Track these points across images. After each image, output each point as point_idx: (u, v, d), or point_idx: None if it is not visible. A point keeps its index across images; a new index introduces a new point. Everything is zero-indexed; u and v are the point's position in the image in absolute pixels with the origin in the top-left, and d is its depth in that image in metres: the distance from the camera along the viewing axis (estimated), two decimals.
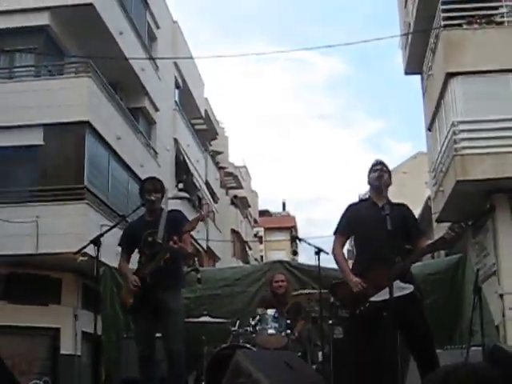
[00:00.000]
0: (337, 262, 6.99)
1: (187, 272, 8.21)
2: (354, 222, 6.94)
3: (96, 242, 7.30)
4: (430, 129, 22.89)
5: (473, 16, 19.07)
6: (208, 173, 35.76)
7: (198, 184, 31.66)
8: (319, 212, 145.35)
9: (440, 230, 23.12)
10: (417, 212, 31.30)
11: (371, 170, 7.05)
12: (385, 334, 6.59)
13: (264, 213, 74.25)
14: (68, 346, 19.63)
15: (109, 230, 7.57)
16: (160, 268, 7.31)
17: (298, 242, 9.55)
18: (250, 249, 50.75)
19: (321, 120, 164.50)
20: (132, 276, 7.53)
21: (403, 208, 7.11)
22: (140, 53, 24.23)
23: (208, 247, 34.05)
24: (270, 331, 8.84)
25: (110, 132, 20.50)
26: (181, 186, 29.12)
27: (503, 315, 17.90)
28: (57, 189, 18.72)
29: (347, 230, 7.02)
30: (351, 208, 7.21)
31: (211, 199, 36.18)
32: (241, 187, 47.64)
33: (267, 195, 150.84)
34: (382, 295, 6.40)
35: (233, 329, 9.10)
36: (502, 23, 19.09)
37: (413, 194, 43.06)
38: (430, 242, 6.92)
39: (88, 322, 19.01)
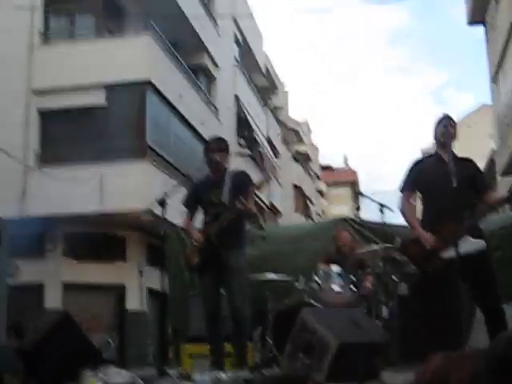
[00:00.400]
0: (406, 219, 6.93)
1: (252, 229, 8.21)
2: (419, 179, 6.87)
3: (162, 202, 7.32)
4: (494, 81, 22.52)
5: None
6: (269, 128, 35.65)
7: (259, 140, 31.62)
8: (381, 167, 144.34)
9: (504, 184, 22.88)
10: (481, 165, 31.01)
11: (438, 125, 6.94)
12: (453, 289, 6.53)
13: (326, 168, 73.92)
14: (134, 302, 19.98)
15: (173, 190, 7.58)
16: (224, 228, 7.35)
17: (361, 197, 9.39)
18: (313, 204, 50.69)
19: (384, 73, 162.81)
20: (196, 233, 7.59)
21: (469, 163, 7.01)
22: (199, 10, 24.17)
23: (270, 203, 34.13)
24: (335, 288, 8.84)
25: (171, 90, 20.56)
26: (242, 142, 29.10)
27: None
28: (120, 148, 18.92)
29: (413, 186, 6.95)
30: (417, 164, 7.13)
31: (273, 155, 36.13)
32: (302, 142, 47.48)
33: (329, 150, 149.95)
34: (451, 251, 6.31)
35: (297, 286, 9.12)
36: None
37: (477, 147, 42.57)
38: (498, 196, 6.81)
39: (153, 278, 19.38)
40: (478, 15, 24.31)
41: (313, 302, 8.57)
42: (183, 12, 22.10)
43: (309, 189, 48.52)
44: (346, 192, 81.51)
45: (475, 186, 6.74)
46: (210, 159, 7.61)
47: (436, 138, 6.94)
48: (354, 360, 5.67)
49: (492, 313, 6.54)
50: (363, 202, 9.07)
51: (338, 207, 76.83)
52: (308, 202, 47.76)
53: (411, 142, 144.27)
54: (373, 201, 8.35)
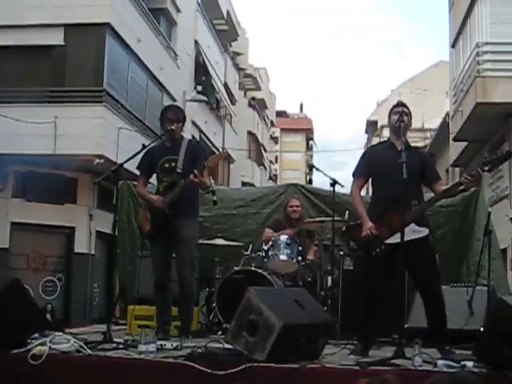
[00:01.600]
0: (353, 204, 7.07)
1: (203, 194, 8.28)
2: (371, 166, 6.99)
3: (116, 170, 7.35)
4: (453, 45, 22.65)
5: None
6: (227, 74, 35.51)
7: (216, 86, 31.50)
8: (337, 117, 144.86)
9: (455, 148, 23.22)
10: (435, 124, 31.29)
11: (392, 112, 7.04)
12: (395, 274, 6.74)
13: (281, 113, 74.01)
14: (82, 244, 19.98)
15: (128, 160, 7.60)
16: (178, 196, 7.44)
17: (314, 169, 9.49)
18: (266, 151, 50.83)
19: (345, 26, 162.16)
20: (152, 196, 7.66)
21: (421, 153, 7.16)
22: None
23: (223, 148, 34.17)
24: (282, 257, 9.03)
25: (130, 34, 20.36)
26: (199, 88, 28.99)
27: None
28: (76, 90, 18.73)
29: (365, 172, 7.07)
30: (370, 151, 7.29)
31: (229, 101, 36.05)
32: (259, 89, 47.38)
33: (286, 97, 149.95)
34: (397, 238, 6.49)
35: (245, 253, 9.29)
36: None
37: (433, 103, 42.94)
38: (445, 187, 6.96)
39: (103, 221, 19.44)
40: None
41: (260, 270, 8.74)
42: None
43: (263, 136, 48.59)
44: (300, 139, 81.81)
45: (424, 177, 6.89)
46: (166, 128, 7.65)
47: (390, 124, 7.05)
48: (297, 341, 5.85)
49: (431, 298, 6.75)
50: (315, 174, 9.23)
51: (292, 154, 77.19)
52: (262, 148, 47.85)
53: (370, 94, 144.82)
54: (325, 175, 8.51)
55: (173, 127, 7.59)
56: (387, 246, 6.65)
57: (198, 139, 28.99)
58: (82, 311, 19.65)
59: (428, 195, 7.29)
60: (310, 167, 12.84)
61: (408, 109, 7.04)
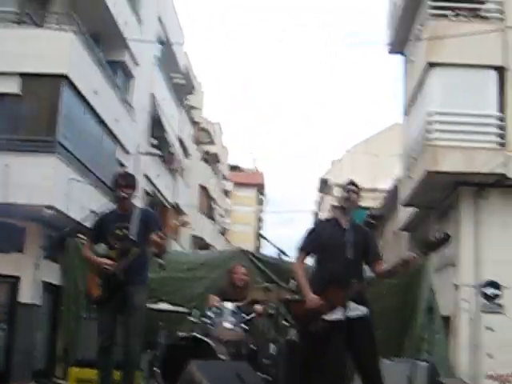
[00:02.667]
0: (296, 278, 7.16)
1: (152, 257, 8.30)
2: (316, 242, 7.11)
3: (62, 236, 7.37)
4: (406, 113, 23.05)
5: (459, 8, 19.16)
6: (182, 128, 35.70)
7: (170, 140, 31.63)
8: (290, 173, 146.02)
9: (403, 213, 23.52)
10: (387, 185, 31.66)
11: (342, 188, 7.20)
12: (335, 352, 6.79)
13: (235, 168, 74.32)
14: (27, 294, 19.67)
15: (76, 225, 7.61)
16: (131, 263, 7.47)
17: (261, 239, 9.67)
18: (217, 205, 50.91)
19: (301, 82, 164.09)
20: (102, 259, 7.64)
21: (364, 231, 7.28)
22: (124, 5, 24.02)
23: (175, 203, 34.20)
24: (227, 325, 9.06)
25: (87, 86, 20.35)
26: (154, 142, 29.07)
27: (456, 306, 18.29)
28: (29, 139, 18.62)
29: (309, 248, 7.18)
30: (315, 227, 7.40)
31: (183, 155, 36.19)
32: (213, 143, 47.61)
33: (239, 152, 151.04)
34: (335, 314, 6.59)
35: (191, 319, 9.29)
36: (487, 18, 19.20)
37: (386, 164, 43.46)
38: (387, 267, 7.07)
39: (50, 272, 19.23)
40: (399, 47, 24.84)
41: (203, 338, 8.75)
42: (107, 6, 21.94)
43: (215, 189, 48.70)
44: (251, 193, 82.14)
45: (366, 256, 7.01)
46: (117, 195, 7.69)
47: (338, 201, 7.18)
48: None
49: (369, 379, 6.81)
50: (264, 244, 9.33)
51: (243, 208, 77.40)
52: (213, 202, 47.93)
53: (323, 153, 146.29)
54: (273, 245, 8.60)
55: (123, 194, 7.64)
56: (325, 323, 6.73)
57: (150, 192, 29.04)
58: (24, 362, 19.28)
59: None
60: (259, 236, 12.97)
61: (357, 187, 7.18)
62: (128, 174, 8.32)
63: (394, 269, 6.90)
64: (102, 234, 7.80)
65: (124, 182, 7.75)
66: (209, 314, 9.19)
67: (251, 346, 9.30)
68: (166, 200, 32.41)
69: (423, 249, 6.67)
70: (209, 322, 9.11)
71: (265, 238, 8.90)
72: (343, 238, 6.65)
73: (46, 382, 7.22)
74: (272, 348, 9.23)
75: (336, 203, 7.29)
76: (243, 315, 9.20)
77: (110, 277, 7.53)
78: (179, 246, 34.16)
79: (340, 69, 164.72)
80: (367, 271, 7.21)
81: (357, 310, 6.72)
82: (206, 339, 8.74)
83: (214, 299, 9.57)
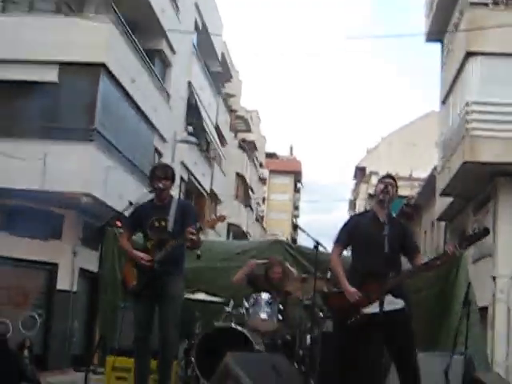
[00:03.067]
0: (334, 271, 7.17)
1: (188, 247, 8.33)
2: (353, 235, 7.12)
3: (102, 228, 7.42)
4: (444, 102, 22.90)
5: None
6: (219, 116, 35.72)
7: (207, 128, 31.66)
8: (326, 161, 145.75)
9: (441, 203, 23.40)
10: (423, 174, 31.50)
11: (379, 182, 7.18)
12: (372, 345, 6.78)
13: (271, 155, 74.26)
14: (65, 281, 19.88)
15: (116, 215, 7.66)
16: (168, 254, 7.52)
17: (298, 230, 9.69)
18: (254, 193, 50.95)
19: (338, 70, 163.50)
20: (140, 253, 7.67)
21: (401, 225, 7.25)
22: None
23: (211, 190, 34.29)
24: (263, 316, 9.10)
25: (125, 74, 20.47)
26: (190, 129, 29.13)
27: (493, 297, 18.21)
28: (67, 128, 18.82)
29: (346, 241, 7.19)
30: (352, 220, 7.39)
31: (219, 143, 36.24)
32: (250, 131, 47.64)
33: (276, 139, 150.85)
34: (373, 308, 6.59)
35: (226, 309, 9.34)
36: None
37: (422, 153, 43.26)
38: (424, 262, 7.05)
39: (87, 259, 19.45)
40: (437, 35, 24.65)
41: (239, 328, 8.79)
42: None
43: (251, 177, 48.76)
44: (288, 181, 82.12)
45: (404, 249, 7.00)
46: (155, 186, 7.73)
47: (375, 193, 7.17)
48: None
49: (406, 372, 6.81)
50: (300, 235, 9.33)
51: (280, 195, 77.44)
52: (249, 190, 47.98)
53: (359, 140, 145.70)
54: (309, 236, 8.58)
55: (160, 185, 7.69)
56: (363, 316, 6.73)
57: (187, 180, 29.12)
58: (61, 348, 19.52)
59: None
60: (295, 227, 12.97)
61: (395, 181, 7.16)
62: (166, 165, 8.35)
63: (432, 262, 6.88)
64: (140, 224, 7.85)
65: (162, 174, 7.78)
66: (245, 304, 9.24)
67: (287, 336, 9.33)
68: (203, 188, 32.50)
69: (461, 242, 6.65)
70: (245, 312, 9.15)
71: (301, 229, 8.90)
72: (381, 231, 6.63)
73: (84, 369, 7.27)
74: (307, 339, 9.24)
75: (373, 193, 7.29)
76: (279, 306, 9.22)
77: (146, 267, 7.58)
78: (216, 233, 34.29)
79: (378, 56, 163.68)
80: (405, 264, 7.18)
81: (394, 304, 6.70)
82: (242, 330, 8.78)
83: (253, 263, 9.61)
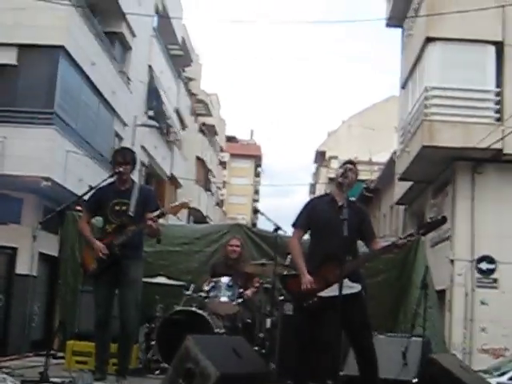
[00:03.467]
0: (292, 255, 7.24)
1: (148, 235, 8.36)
2: (311, 219, 7.17)
3: (61, 211, 7.40)
4: (403, 86, 23.05)
5: None
6: (179, 100, 35.64)
7: (167, 112, 31.59)
8: (287, 144, 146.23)
9: (399, 187, 23.63)
10: (383, 158, 31.71)
11: (340, 167, 7.26)
12: (329, 327, 6.89)
13: (231, 139, 74.28)
14: (24, 266, 19.77)
15: (77, 199, 7.65)
16: (128, 239, 7.54)
17: (259, 214, 9.81)
18: (214, 177, 50.94)
19: (299, 53, 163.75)
20: (99, 244, 7.65)
21: (360, 209, 7.33)
22: None
23: (171, 174, 34.24)
24: (223, 299, 9.17)
25: (84, 57, 20.32)
26: (150, 113, 29.05)
27: (451, 280, 18.43)
28: (26, 111, 18.66)
29: (305, 225, 7.25)
30: (311, 204, 7.45)
31: (179, 127, 36.18)
32: (210, 115, 47.55)
33: (236, 123, 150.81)
34: (330, 291, 6.70)
35: (187, 292, 9.39)
36: None
37: (382, 137, 43.56)
38: (381, 245, 7.16)
39: (46, 243, 19.33)
40: (397, 20, 24.81)
41: (200, 311, 8.85)
42: None
43: (212, 161, 48.71)
44: (248, 165, 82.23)
45: (361, 233, 7.09)
46: (116, 170, 7.74)
47: (335, 177, 7.24)
48: None
49: (363, 351, 6.92)
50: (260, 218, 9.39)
51: (240, 179, 77.54)
52: (210, 174, 47.96)
53: (319, 124, 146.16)
54: (269, 220, 8.66)
55: (121, 169, 7.69)
56: (319, 299, 6.82)
57: (147, 164, 29.05)
58: (21, 333, 19.43)
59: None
60: (255, 211, 13.04)
61: (356, 168, 7.24)
62: (127, 149, 8.37)
63: (387, 248, 7.02)
64: (99, 207, 7.84)
65: (121, 159, 7.78)
66: (205, 288, 9.29)
67: (247, 319, 9.41)
68: (163, 172, 32.45)
69: (419, 228, 6.81)
70: (205, 296, 9.20)
71: (261, 213, 8.97)
72: (339, 215, 6.70)
73: (44, 354, 7.28)
74: (268, 322, 9.33)
75: (333, 177, 7.37)
76: (239, 290, 9.29)
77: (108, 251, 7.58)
78: (176, 217, 34.19)
79: (338, 41, 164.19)
80: (360, 247, 7.28)
81: (351, 288, 6.78)
82: (202, 313, 8.84)
83: (206, 281, 9.64)
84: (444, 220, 6.88)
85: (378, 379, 6.91)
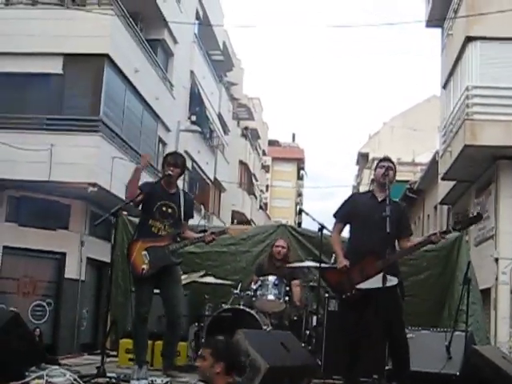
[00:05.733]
0: (333, 246, 7.50)
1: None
2: (353, 213, 7.41)
3: (115, 213, 7.66)
4: (444, 86, 23.06)
5: None
6: (221, 104, 35.95)
7: (210, 116, 31.94)
8: (329, 147, 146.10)
9: (443, 187, 23.62)
10: (426, 158, 31.67)
11: (377, 166, 7.43)
12: (372, 323, 7.08)
13: (273, 143, 74.38)
14: (73, 270, 20.16)
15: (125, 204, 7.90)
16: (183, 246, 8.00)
17: (303, 214, 9.93)
18: (257, 180, 51.17)
19: (339, 56, 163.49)
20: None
21: (399, 207, 7.51)
22: None
23: (215, 178, 34.55)
24: (270, 297, 9.36)
25: (128, 64, 20.72)
26: (193, 118, 29.36)
27: (496, 278, 18.41)
28: (73, 119, 19.09)
29: (346, 218, 7.50)
30: (353, 198, 7.75)
31: (222, 131, 36.49)
32: (252, 119, 47.77)
33: (278, 126, 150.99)
34: (368, 284, 6.90)
35: (235, 291, 9.60)
36: None
37: (424, 138, 43.49)
38: (418, 240, 7.35)
39: (94, 248, 19.74)
40: (437, 21, 24.83)
41: (247, 309, 9.06)
42: None
43: (254, 165, 48.95)
44: (291, 168, 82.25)
45: (400, 230, 7.26)
46: (164, 172, 8.01)
47: (375, 178, 7.43)
48: (282, 382, 6.17)
49: (394, 343, 7.11)
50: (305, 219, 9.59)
51: (283, 183, 77.58)
52: (253, 178, 48.19)
53: (361, 126, 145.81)
54: (313, 220, 8.83)
55: (170, 172, 7.94)
56: (358, 291, 7.02)
57: (191, 169, 29.37)
58: (71, 336, 19.84)
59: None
60: (300, 211, 13.20)
61: (393, 163, 7.41)
62: (178, 153, 8.70)
63: (422, 243, 7.23)
64: (148, 199, 8.06)
65: (173, 161, 8.06)
66: (252, 286, 9.50)
67: (293, 317, 9.60)
68: (207, 176, 32.78)
69: (456, 226, 6.98)
70: (252, 294, 9.41)
71: (305, 213, 9.14)
72: (381, 211, 6.89)
73: (97, 353, 7.54)
74: (314, 320, 9.52)
75: (374, 180, 7.55)
76: (286, 287, 9.48)
77: (160, 256, 7.87)
78: (220, 221, 34.56)
79: (378, 43, 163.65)
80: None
81: (389, 281, 6.95)
82: (250, 311, 9.05)
83: (254, 280, 9.85)
84: (479, 217, 7.06)
85: (409, 372, 7.09)
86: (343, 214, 7.54)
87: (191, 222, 8.68)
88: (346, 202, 7.59)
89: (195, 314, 9.77)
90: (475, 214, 7.16)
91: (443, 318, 10.20)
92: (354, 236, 7.50)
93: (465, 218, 7.25)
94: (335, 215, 7.61)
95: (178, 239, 8.01)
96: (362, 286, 7.03)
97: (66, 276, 20.14)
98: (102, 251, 19.26)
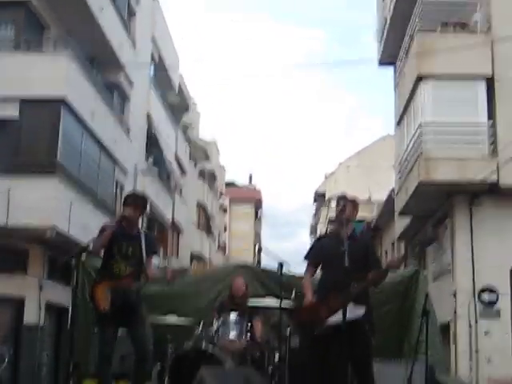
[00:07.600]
0: (302, 288, 7.69)
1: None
2: (318, 255, 7.70)
3: (76, 255, 7.71)
4: (398, 123, 23.43)
5: (446, 22, 19.57)
6: (178, 146, 36.03)
7: (167, 159, 32.00)
8: (286, 187, 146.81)
9: (400, 223, 23.91)
10: (382, 196, 31.99)
11: (337, 205, 7.67)
12: (338, 352, 7.18)
13: (230, 184, 74.56)
14: (32, 316, 19.90)
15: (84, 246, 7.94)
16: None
17: (263, 252, 10.08)
18: (215, 221, 51.20)
19: (295, 95, 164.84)
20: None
21: (362, 241, 7.70)
22: (118, 28, 24.45)
23: (173, 219, 34.48)
24: (231, 336, 9.41)
25: (85, 108, 20.74)
26: (150, 160, 29.43)
27: (455, 312, 18.61)
28: (30, 163, 19.01)
29: (314, 258, 7.77)
30: (318, 240, 8.03)
31: (179, 173, 36.55)
32: (209, 161, 47.95)
33: (235, 168, 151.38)
34: (336, 318, 7.05)
35: (197, 330, 9.63)
36: (474, 31, 19.57)
37: (380, 176, 43.90)
38: (380, 270, 7.53)
39: (53, 292, 19.50)
40: (389, 58, 25.32)
41: (209, 349, 9.09)
42: (102, 30, 22.36)
43: (212, 206, 49.00)
44: (249, 209, 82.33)
45: (366, 261, 7.46)
46: (124, 213, 8.06)
47: (336, 216, 7.65)
48: None
49: (363, 377, 7.22)
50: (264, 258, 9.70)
51: (241, 223, 77.65)
52: (211, 219, 48.23)
53: (317, 166, 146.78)
54: (272, 257, 8.95)
55: (130, 212, 8.01)
56: (328, 326, 7.16)
57: (149, 211, 29.31)
58: (31, 383, 19.56)
59: None
60: (259, 249, 13.30)
61: (353, 200, 7.65)
62: (137, 194, 8.75)
63: (381, 272, 7.45)
64: (109, 243, 8.11)
65: (131, 201, 8.12)
66: (214, 325, 9.54)
67: (256, 354, 9.63)
68: (165, 218, 32.72)
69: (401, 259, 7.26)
70: (214, 333, 9.45)
71: (265, 251, 9.24)
72: (341, 248, 7.13)
73: None
74: (276, 356, 9.56)
75: (333, 217, 7.81)
76: (247, 324, 9.53)
77: (119, 294, 7.90)
78: (179, 262, 34.46)
79: (330, 83, 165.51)
80: None
81: (355, 312, 7.13)
82: (212, 351, 9.08)
83: (215, 318, 9.92)
84: (406, 256, 7.45)
85: None
86: (311, 256, 7.89)
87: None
88: (312, 245, 8.05)
89: (158, 353, 9.76)
90: (402, 253, 7.52)
91: (404, 351, 10.33)
92: (322, 274, 7.82)
93: (405, 253, 7.57)
94: (305, 258, 7.94)
95: (141, 278, 8.05)
96: (331, 320, 7.16)
97: (25, 322, 19.87)
98: (61, 295, 19.11)
